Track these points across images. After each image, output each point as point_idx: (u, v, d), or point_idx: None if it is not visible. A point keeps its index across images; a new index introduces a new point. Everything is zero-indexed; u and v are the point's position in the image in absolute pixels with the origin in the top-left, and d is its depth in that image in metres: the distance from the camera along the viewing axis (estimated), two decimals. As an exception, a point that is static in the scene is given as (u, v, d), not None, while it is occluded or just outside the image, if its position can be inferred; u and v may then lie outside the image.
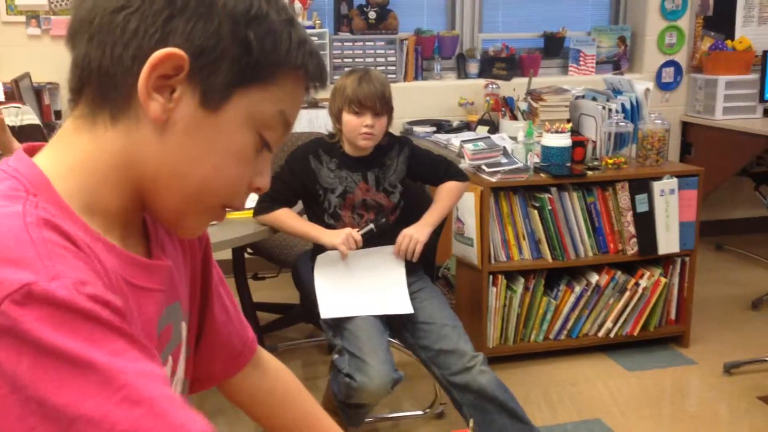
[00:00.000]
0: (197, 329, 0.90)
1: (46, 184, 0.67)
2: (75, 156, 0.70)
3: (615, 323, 3.15)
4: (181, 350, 0.83)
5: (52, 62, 3.23)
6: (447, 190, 2.40)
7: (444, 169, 2.42)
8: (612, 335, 3.16)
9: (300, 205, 2.43)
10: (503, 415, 2.13)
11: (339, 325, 2.23)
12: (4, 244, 0.60)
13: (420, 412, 2.75)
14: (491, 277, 3.00)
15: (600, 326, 3.16)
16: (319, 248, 2.35)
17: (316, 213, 2.35)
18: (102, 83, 0.69)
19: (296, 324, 3.35)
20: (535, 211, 3.01)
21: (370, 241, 2.30)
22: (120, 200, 0.72)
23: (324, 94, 2.82)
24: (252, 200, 2.44)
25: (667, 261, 3.19)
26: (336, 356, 2.22)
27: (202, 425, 0.63)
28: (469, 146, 3.05)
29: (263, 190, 0.76)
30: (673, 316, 3.26)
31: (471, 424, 0.94)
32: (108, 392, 0.59)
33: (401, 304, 2.28)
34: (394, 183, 2.36)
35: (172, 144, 0.69)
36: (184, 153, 0.70)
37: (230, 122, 0.70)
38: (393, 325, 2.33)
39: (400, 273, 2.32)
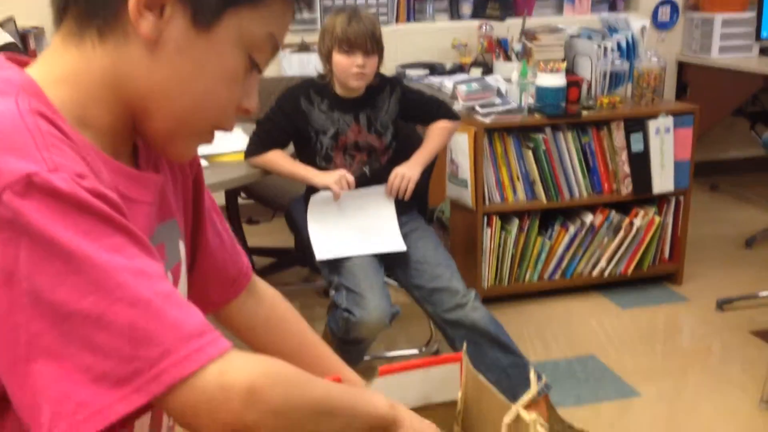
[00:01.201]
0: (191, 254, 0.90)
1: (37, 89, 0.67)
2: (64, 69, 0.70)
3: (609, 262, 3.17)
4: (181, 269, 0.82)
5: (36, 6, 3.15)
6: (438, 129, 2.38)
7: (436, 108, 2.40)
8: (606, 274, 3.19)
9: (291, 148, 2.42)
10: (495, 349, 2.16)
11: (335, 264, 2.25)
12: (1, 132, 0.59)
13: (416, 351, 2.78)
14: (486, 218, 3.00)
15: (594, 266, 3.18)
16: (312, 191, 2.35)
17: (308, 155, 2.34)
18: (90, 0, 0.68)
19: (292, 268, 3.36)
20: (530, 152, 3.00)
21: (362, 183, 2.30)
22: (110, 118, 0.71)
23: (314, 37, 2.78)
24: (242, 143, 2.42)
25: (661, 200, 3.19)
26: (333, 292, 2.24)
27: (195, 322, 0.63)
28: (462, 88, 3.02)
29: (251, 111, 0.76)
30: (666, 254, 3.28)
31: (464, 347, 0.94)
32: (105, 291, 0.59)
33: (394, 243, 2.30)
34: (386, 124, 2.34)
35: (163, 63, 0.69)
36: (176, 73, 0.70)
37: (221, 42, 0.70)
38: (387, 264, 2.35)
39: (390, 212, 2.33)
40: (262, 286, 1.01)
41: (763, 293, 3.11)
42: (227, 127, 0.76)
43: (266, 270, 3.27)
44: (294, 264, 3.31)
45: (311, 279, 3.35)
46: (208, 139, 0.76)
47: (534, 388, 0.80)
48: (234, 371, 0.63)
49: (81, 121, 0.69)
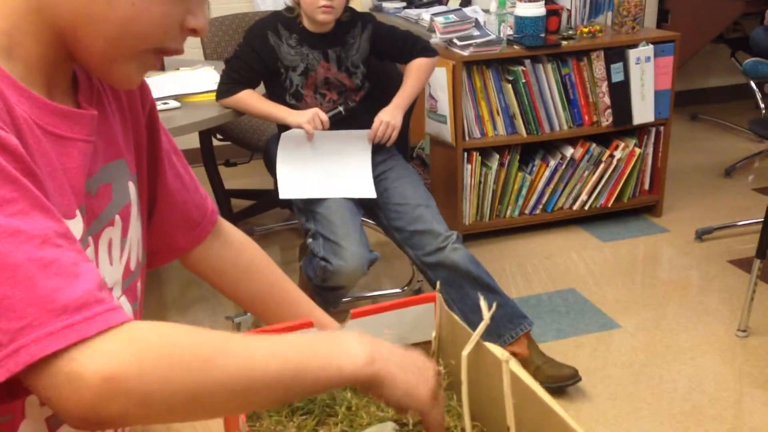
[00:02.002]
0: (150, 198, 0.86)
1: None
2: None
3: (589, 196, 3.16)
4: (131, 211, 0.78)
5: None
6: (416, 68, 2.32)
7: (411, 45, 2.33)
8: (586, 208, 3.18)
9: (263, 88, 2.35)
10: (477, 289, 2.15)
11: (310, 209, 2.21)
12: None
13: (398, 290, 2.78)
14: (466, 154, 2.97)
15: (575, 199, 3.17)
16: (284, 130, 2.29)
17: (278, 93, 2.28)
18: None
19: (271, 210, 3.33)
20: (509, 85, 2.95)
21: (336, 124, 2.25)
22: (39, 48, 0.67)
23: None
24: (214, 83, 2.35)
25: (641, 131, 3.17)
26: (310, 240, 2.20)
27: (75, 294, 0.57)
28: (439, 20, 2.94)
29: (200, 32, 0.71)
30: (646, 186, 3.28)
31: (438, 286, 0.92)
32: None
33: (364, 189, 2.24)
34: (356, 63, 2.28)
35: None
36: None
37: None
38: (365, 206, 2.31)
39: (365, 157, 2.28)
40: (229, 229, 0.98)
41: (742, 222, 3.13)
42: (172, 49, 0.70)
43: (245, 213, 3.24)
44: (274, 206, 3.27)
45: (292, 220, 3.32)
46: (153, 63, 0.71)
47: (486, 317, 0.77)
48: (90, 359, 0.55)
49: (7, 52, 0.64)
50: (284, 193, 2.20)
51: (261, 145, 2.88)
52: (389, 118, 2.22)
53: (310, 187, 2.21)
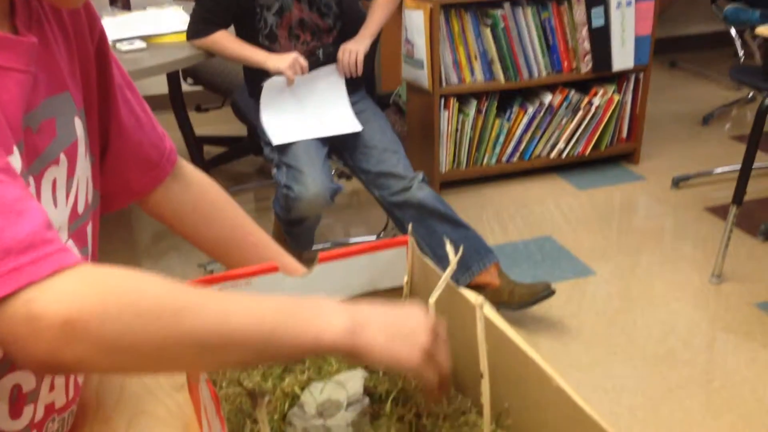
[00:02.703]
0: (102, 136, 0.81)
1: None
2: None
3: (567, 143, 3.14)
4: (78, 148, 0.73)
5: None
6: (381, 1, 2.28)
7: None
8: (564, 156, 3.16)
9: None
10: (444, 225, 2.16)
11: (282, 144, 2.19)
12: None
13: (373, 237, 2.76)
14: (443, 100, 2.91)
15: (552, 147, 3.14)
16: (252, 76, 2.23)
17: (250, 35, 2.20)
18: None
19: (245, 157, 3.26)
20: (488, 30, 2.88)
21: (314, 67, 2.20)
22: None
23: None
24: (182, 23, 2.27)
25: (621, 78, 3.13)
26: (275, 171, 2.19)
27: (19, 234, 0.53)
28: (417, -40, 2.85)
29: None
30: (624, 134, 3.26)
31: (409, 229, 0.88)
32: None
33: (349, 124, 2.23)
34: (329, 4, 2.21)
35: None
36: None
37: None
38: (334, 147, 2.28)
39: (341, 92, 2.25)
40: (189, 170, 0.93)
41: (719, 170, 3.13)
42: None
43: (217, 160, 3.17)
44: (247, 153, 3.21)
45: (266, 169, 3.26)
46: None
47: (453, 261, 0.73)
48: (48, 299, 0.52)
49: None
50: (276, 140, 2.18)
51: (233, 88, 2.81)
52: (352, 45, 2.21)
53: (299, 130, 2.18)
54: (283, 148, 2.16)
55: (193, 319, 0.56)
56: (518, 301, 2.12)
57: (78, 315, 0.52)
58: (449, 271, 0.70)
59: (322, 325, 0.61)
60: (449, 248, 0.71)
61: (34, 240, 0.53)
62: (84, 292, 0.53)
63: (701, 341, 2.16)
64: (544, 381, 0.66)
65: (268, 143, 2.21)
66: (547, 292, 2.13)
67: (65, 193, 0.70)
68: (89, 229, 0.76)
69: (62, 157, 0.69)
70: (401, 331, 0.64)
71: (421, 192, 2.16)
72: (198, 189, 0.92)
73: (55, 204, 0.68)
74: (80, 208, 0.73)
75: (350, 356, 0.62)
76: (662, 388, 1.98)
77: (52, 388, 0.73)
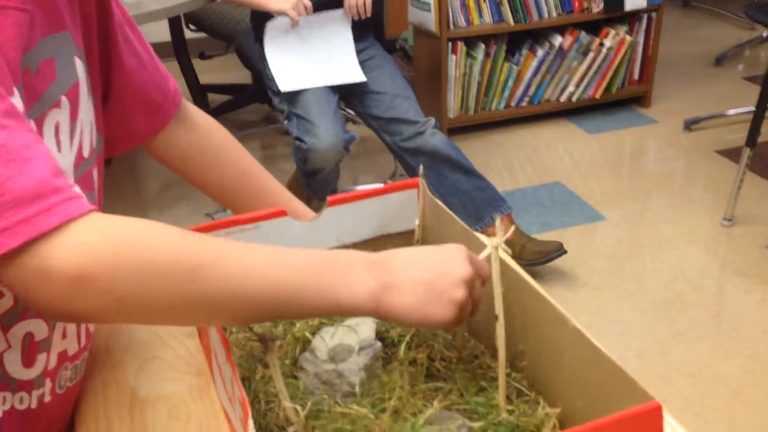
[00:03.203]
0: (104, 78, 0.78)
1: None
2: None
3: (577, 87, 3.08)
4: (80, 90, 0.70)
5: None
6: None
7: None
8: (574, 99, 3.11)
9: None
10: (457, 173, 2.13)
11: (290, 93, 2.15)
12: None
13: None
14: (450, 44, 2.85)
15: (562, 91, 3.09)
16: (259, 21, 2.18)
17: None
18: None
19: (250, 105, 3.22)
20: (496, -31, 2.80)
21: (317, 8, 2.14)
22: None
23: None
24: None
25: (633, 18, 3.05)
26: (286, 122, 2.17)
27: (28, 183, 0.51)
28: None
29: None
30: (636, 76, 3.19)
31: (421, 171, 0.86)
32: None
33: (353, 73, 2.18)
34: None
35: None
36: None
37: None
38: (344, 94, 2.24)
39: (347, 39, 2.19)
40: (195, 113, 0.90)
41: (732, 112, 3.07)
42: None
43: (222, 108, 3.13)
44: (253, 101, 3.17)
45: (272, 117, 3.23)
46: None
47: (501, 238, 0.67)
48: (59, 252, 0.50)
49: None
50: (284, 87, 2.14)
51: (236, 35, 2.75)
52: None
53: (305, 77, 2.15)
54: (293, 99, 2.12)
55: (209, 279, 0.54)
56: (529, 258, 2.11)
57: (90, 269, 0.51)
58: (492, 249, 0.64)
59: (343, 289, 0.58)
60: (498, 224, 0.66)
61: (43, 189, 0.51)
62: (96, 244, 0.52)
63: (712, 284, 2.15)
64: (559, 323, 0.65)
65: (277, 93, 2.17)
66: (559, 253, 2.12)
67: (69, 137, 0.68)
68: (95, 173, 0.75)
69: (64, 99, 0.66)
70: (435, 289, 0.60)
71: (434, 138, 2.13)
72: (204, 132, 0.89)
73: (59, 148, 0.66)
74: (85, 152, 0.71)
75: (377, 317, 0.61)
76: (672, 331, 1.97)
77: (64, 335, 0.73)
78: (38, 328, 0.69)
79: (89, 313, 0.53)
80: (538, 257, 2.10)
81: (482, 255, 0.67)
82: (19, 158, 0.51)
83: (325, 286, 0.58)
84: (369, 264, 0.60)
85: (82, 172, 0.71)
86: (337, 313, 0.60)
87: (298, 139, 2.08)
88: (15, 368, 0.68)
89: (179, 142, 0.88)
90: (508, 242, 0.68)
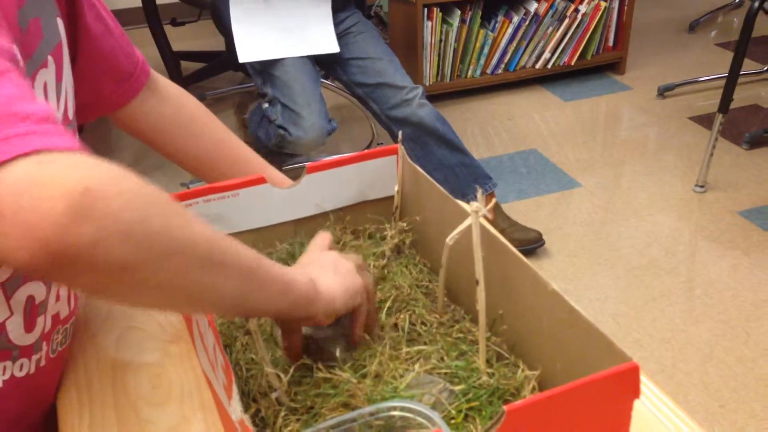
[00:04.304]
0: (71, 42, 0.77)
1: None
2: None
3: (553, 53, 3.08)
4: (63, 51, 0.69)
5: None
6: None
7: None
8: (549, 66, 3.11)
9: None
10: (443, 147, 2.11)
11: (268, 71, 2.09)
12: None
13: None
14: (426, 10, 2.83)
15: (537, 57, 3.08)
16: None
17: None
18: None
19: (224, 72, 3.18)
20: (472, -66, 2.77)
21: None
22: None
23: None
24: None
25: (608, -16, 3.05)
26: (266, 105, 2.11)
27: (38, 108, 0.46)
28: None
29: None
30: (611, 42, 3.20)
31: (399, 136, 0.86)
32: None
33: (327, 44, 2.13)
34: None
35: None
36: None
37: None
38: (324, 63, 2.20)
39: (326, 9, 2.14)
40: (165, 83, 0.89)
41: (704, 78, 3.10)
42: None
43: (195, 76, 3.08)
44: (226, 68, 3.12)
45: (246, 83, 3.18)
46: None
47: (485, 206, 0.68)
48: (64, 164, 0.43)
49: None
50: (243, 56, 2.07)
51: (209, 1, 2.70)
52: None
53: (271, 47, 2.08)
54: (275, 82, 2.06)
55: (197, 232, 0.50)
56: None
57: (97, 187, 0.43)
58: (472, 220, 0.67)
59: (291, 274, 0.61)
60: (480, 197, 0.67)
61: (50, 115, 0.47)
62: (104, 169, 0.45)
63: (684, 250, 2.19)
64: (538, 286, 0.66)
65: (259, 72, 2.11)
66: (539, 244, 2.12)
67: (56, 97, 0.67)
68: (77, 137, 0.73)
69: (50, 59, 0.65)
70: (340, 271, 0.68)
71: (422, 110, 2.10)
72: (175, 102, 0.88)
73: None
74: (70, 114, 0.70)
75: (311, 301, 0.62)
76: (645, 296, 2.01)
77: (57, 298, 0.73)
78: (38, 290, 0.69)
79: (90, 242, 0.43)
80: (516, 245, 2.10)
81: (464, 224, 0.67)
82: (22, 85, 0.48)
83: (277, 274, 0.59)
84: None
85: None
86: (288, 290, 0.60)
87: (281, 128, 2.03)
88: (17, 334, 0.68)
89: (151, 111, 0.86)
90: (488, 223, 0.69)
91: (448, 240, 0.70)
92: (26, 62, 0.61)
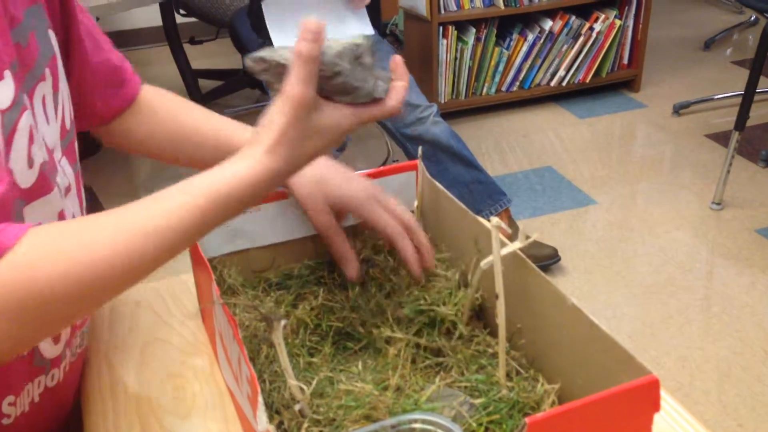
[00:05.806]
0: (63, 54, 0.76)
1: None
2: None
3: (568, 71, 3.09)
4: (58, 62, 0.70)
5: None
6: None
7: None
8: (564, 84, 3.12)
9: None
10: (457, 164, 2.13)
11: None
12: None
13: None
14: (441, 28, 2.86)
15: (552, 75, 3.10)
16: (258, 13, 2.15)
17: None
18: None
19: (241, 90, 3.22)
20: (487, -46, 2.80)
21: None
22: None
23: None
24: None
25: (622, 2, 3.07)
26: None
27: None
28: None
29: None
30: (626, 60, 3.21)
31: (420, 152, 0.87)
32: None
33: (362, 27, 2.08)
34: None
35: None
36: None
37: None
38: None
39: (362, 14, 2.11)
40: (150, 95, 0.86)
41: (720, 96, 3.10)
42: None
43: (213, 93, 3.12)
44: (244, 86, 3.16)
45: (263, 101, 3.22)
46: None
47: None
48: None
49: None
50: (277, 40, 2.06)
51: (227, 19, 2.74)
52: None
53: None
54: None
55: (94, 247, 0.54)
56: None
57: None
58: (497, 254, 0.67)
59: (225, 176, 0.62)
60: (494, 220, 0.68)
61: None
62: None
63: (701, 268, 2.18)
64: (557, 301, 0.66)
65: (277, 89, 2.11)
66: (554, 261, 2.13)
67: (54, 108, 0.68)
68: (76, 145, 0.75)
69: (47, 72, 0.66)
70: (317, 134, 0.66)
71: (437, 127, 2.12)
72: (168, 112, 0.85)
73: (48, 121, 0.66)
74: (68, 124, 0.72)
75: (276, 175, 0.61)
76: (662, 314, 2.00)
77: None
78: None
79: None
80: (531, 261, 2.09)
81: (494, 248, 0.68)
82: None
83: (200, 191, 0.61)
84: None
85: (66, 143, 0.71)
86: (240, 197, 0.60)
87: None
88: (46, 346, 0.70)
89: (144, 122, 0.84)
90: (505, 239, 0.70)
91: (482, 264, 0.71)
92: (26, 75, 0.62)
